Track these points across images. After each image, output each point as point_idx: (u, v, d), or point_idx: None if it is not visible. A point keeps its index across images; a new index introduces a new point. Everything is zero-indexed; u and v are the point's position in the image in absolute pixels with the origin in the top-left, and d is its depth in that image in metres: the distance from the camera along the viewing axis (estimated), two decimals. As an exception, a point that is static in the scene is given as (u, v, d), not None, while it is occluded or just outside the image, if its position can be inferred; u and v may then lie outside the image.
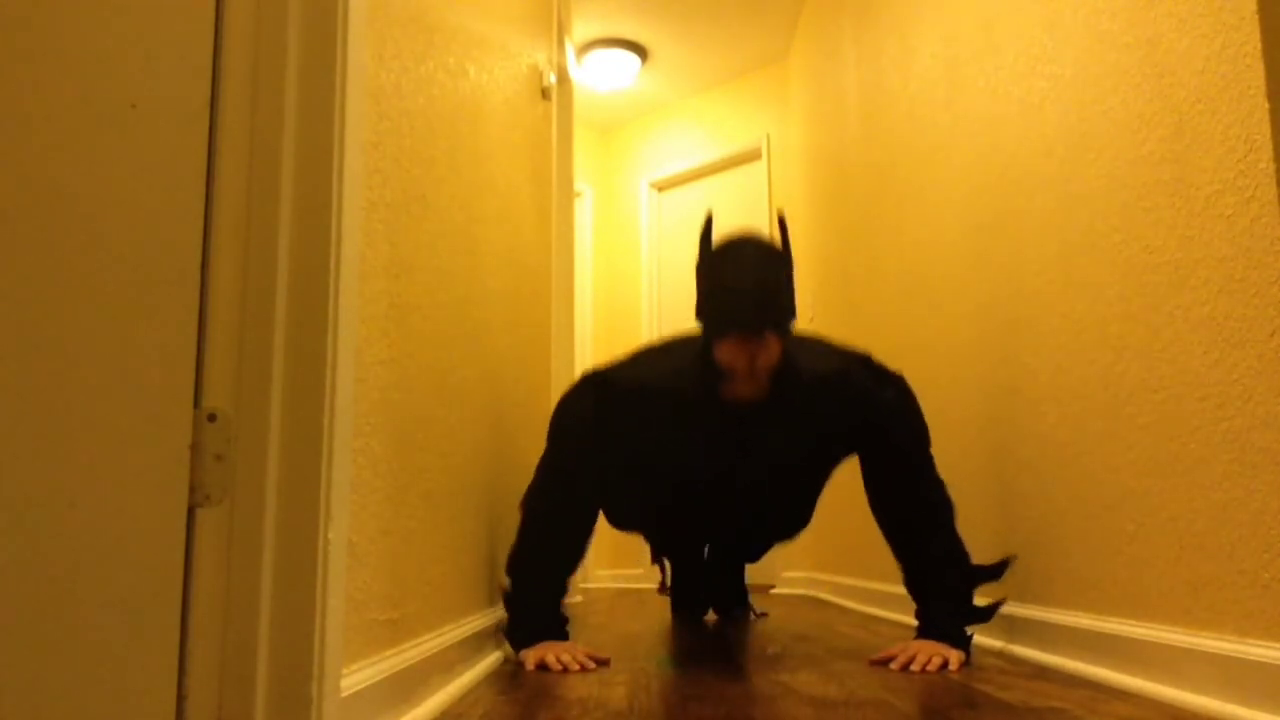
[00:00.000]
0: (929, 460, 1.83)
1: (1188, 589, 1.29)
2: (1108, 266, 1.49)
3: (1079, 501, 1.59)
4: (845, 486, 3.09)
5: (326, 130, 0.87)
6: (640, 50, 4.46)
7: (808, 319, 3.99)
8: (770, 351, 1.67)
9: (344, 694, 0.87)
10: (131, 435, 0.75)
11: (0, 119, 0.71)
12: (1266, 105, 1.12)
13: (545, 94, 2.95)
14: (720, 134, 4.80)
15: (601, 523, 2.10)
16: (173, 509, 0.77)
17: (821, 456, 2.02)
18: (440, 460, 1.43)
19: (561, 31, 3.38)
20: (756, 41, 4.42)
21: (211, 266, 0.82)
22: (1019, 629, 1.80)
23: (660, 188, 5.08)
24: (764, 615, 2.79)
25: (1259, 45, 1.13)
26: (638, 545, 4.50)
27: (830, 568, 3.58)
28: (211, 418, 0.80)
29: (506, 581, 1.80)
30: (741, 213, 4.67)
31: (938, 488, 1.82)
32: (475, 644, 1.59)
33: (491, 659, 1.71)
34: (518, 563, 1.80)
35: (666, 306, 4.92)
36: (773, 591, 4.07)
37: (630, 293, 5.04)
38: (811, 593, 3.84)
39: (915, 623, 1.78)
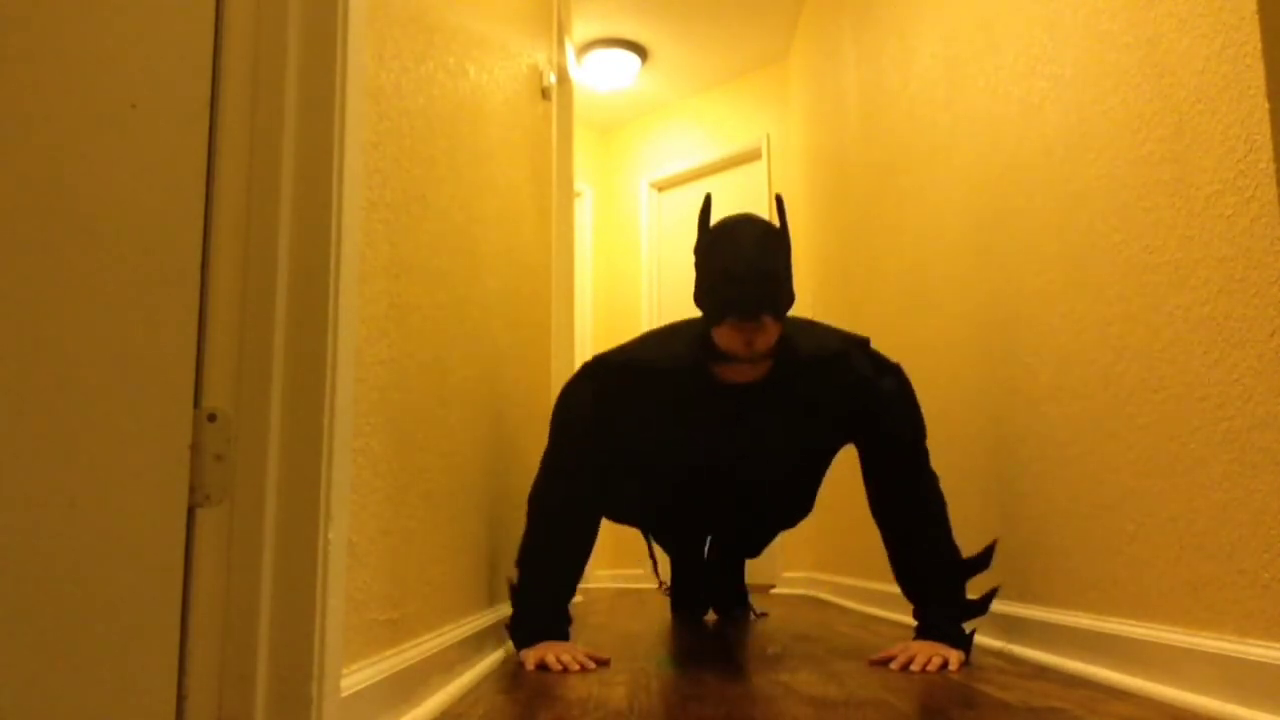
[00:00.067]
0: (924, 452, 1.83)
1: (1188, 589, 1.29)
2: (1108, 266, 1.49)
3: (1079, 501, 1.59)
4: (845, 486, 3.09)
5: (326, 130, 0.87)
6: (640, 50, 4.46)
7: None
8: (768, 334, 1.68)
9: (344, 694, 0.87)
10: (131, 435, 0.75)
11: (0, 119, 0.71)
12: (1266, 105, 1.12)
13: (545, 94, 2.96)
14: (720, 134, 4.80)
15: (603, 522, 2.10)
16: (173, 509, 0.77)
17: (820, 441, 2.02)
18: (440, 460, 1.43)
19: (561, 31, 3.38)
20: (756, 41, 4.42)
21: (211, 266, 0.82)
22: (1019, 629, 1.80)
23: (660, 188, 5.08)
24: (764, 615, 2.79)
25: (1259, 45, 1.13)
26: (638, 545, 4.51)
27: (830, 568, 3.58)
28: (211, 418, 0.80)
29: (515, 576, 1.81)
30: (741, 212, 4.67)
31: (933, 482, 1.82)
32: (475, 644, 1.59)
33: (492, 659, 1.71)
34: (524, 561, 1.80)
35: (666, 306, 4.92)
36: (773, 591, 4.07)
37: (630, 293, 5.04)
38: (811, 593, 3.84)
39: (914, 623, 1.78)
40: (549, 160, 3.12)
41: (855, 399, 1.83)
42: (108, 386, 0.74)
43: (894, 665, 1.63)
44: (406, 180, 1.26)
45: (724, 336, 1.68)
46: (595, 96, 4.86)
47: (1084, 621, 1.55)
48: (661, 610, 3.01)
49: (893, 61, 2.73)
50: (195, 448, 0.79)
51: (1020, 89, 1.83)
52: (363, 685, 0.95)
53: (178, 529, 0.77)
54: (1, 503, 0.68)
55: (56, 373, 0.72)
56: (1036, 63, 1.75)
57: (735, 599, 2.74)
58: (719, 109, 4.82)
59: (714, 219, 4.79)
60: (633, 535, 4.40)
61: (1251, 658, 1.12)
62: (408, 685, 1.13)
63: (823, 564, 3.73)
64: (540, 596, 1.78)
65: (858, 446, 1.90)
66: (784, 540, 4.07)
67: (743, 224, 1.69)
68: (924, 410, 1.88)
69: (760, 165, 4.61)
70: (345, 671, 0.91)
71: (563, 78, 3.51)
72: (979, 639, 1.87)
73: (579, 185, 4.97)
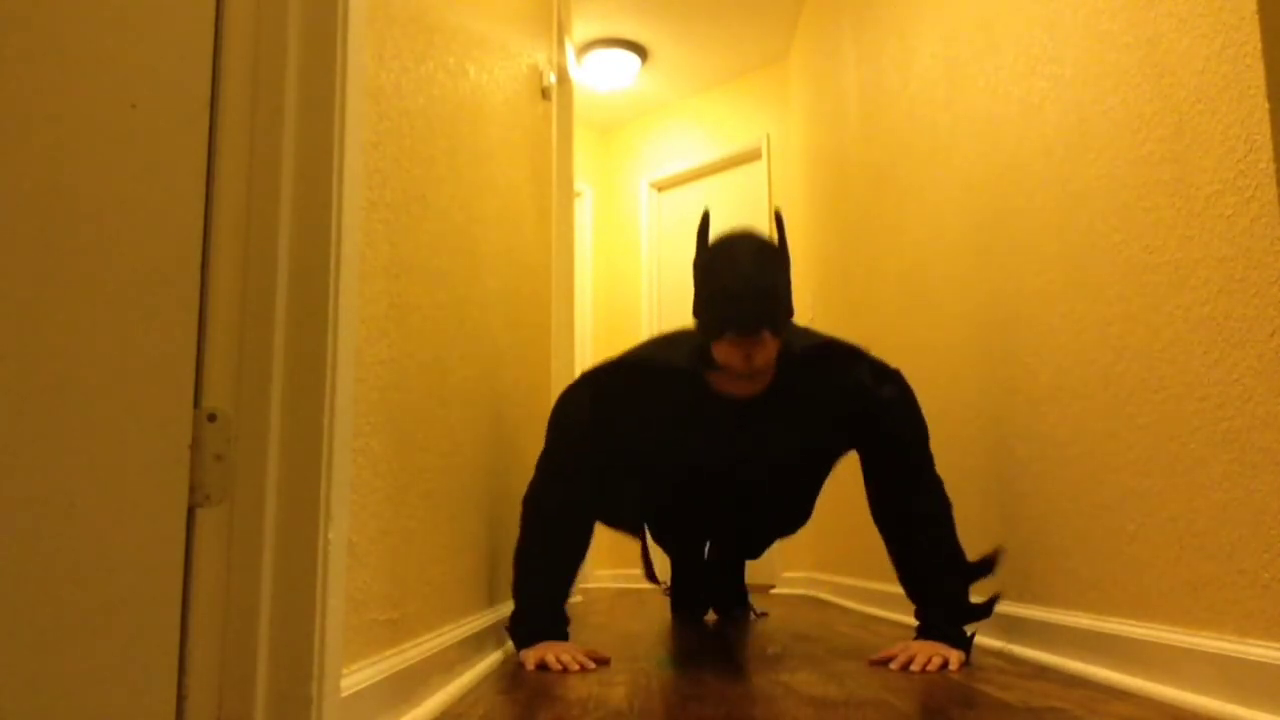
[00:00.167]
0: (928, 457, 1.83)
1: (1188, 589, 1.28)
2: (1108, 266, 1.49)
3: (1079, 501, 1.59)
4: (846, 486, 3.09)
5: (326, 130, 0.87)
6: (640, 50, 4.46)
7: (808, 319, 3.99)
8: (767, 350, 1.67)
9: (344, 694, 0.87)
10: (131, 435, 0.75)
11: (0, 119, 0.71)
12: (1266, 105, 1.12)
13: (545, 94, 2.95)
14: (720, 134, 4.80)
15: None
16: (173, 509, 0.77)
17: (819, 450, 2.01)
18: (440, 460, 1.43)
19: (561, 31, 3.38)
20: (756, 41, 4.42)
21: (211, 266, 0.82)
22: (1019, 629, 1.80)
23: (660, 188, 5.07)
24: (764, 615, 2.79)
25: (1259, 45, 1.13)
26: (636, 546, 4.50)
27: (830, 568, 3.58)
28: (211, 418, 0.80)
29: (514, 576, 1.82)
30: (742, 213, 4.67)
31: (936, 486, 1.82)
32: (475, 644, 1.59)
33: (492, 659, 1.71)
34: (520, 562, 1.80)
35: (666, 306, 4.92)
36: (773, 591, 4.07)
37: (630, 293, 5.04)
38: (811, 593, 3.84)
39: (915, 623, 1.78)
40: (549, 160, 3.12)
41: (855, 401, 1.83)
42: (107, 386, 0.74)
43: (894, 665, 1.63)
44: (406, 180, 1.26)
45: (723, 352, 1.68)
46: (595, 96, 4.86)
47: (1084, 621, 1.55)
48: (661, 610, 3.01)
49: (893, 61, 2.73)
50: (195, 448, 0.79)
51: (1020, 89, 1.83)
52: (363, 685, 0.95)
53: (178, 529, 0.77)
54: (1, 503, 0.68)
55: (56, 373, 0.72)
56: (1036, 63, 1.75)
57: (735, 599, 2.74)
58: (719, 109, 4.82)
59: (714, 217, 4.79)
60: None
61: (1251, 658, 1.12)
62: (408, 685, 1.13)
63: (823, 564, 3.73)
64: (537, 597, 1.78)
65: (859, 451, 1.89)
66: (784, 541, 4.07)
67: (741, 240, 1.68)
68: (924, 410, 1.88)
69: (760, 165, 4.61)
70: (345, 671, 0.91)
71: (563, 78, 3.51)
72: (979, 639, 1.87)
73: (579, 185, 4.97)
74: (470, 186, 1.71)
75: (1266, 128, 1.12)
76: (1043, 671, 1.56)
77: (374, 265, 1.10)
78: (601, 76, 4.51)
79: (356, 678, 0.95)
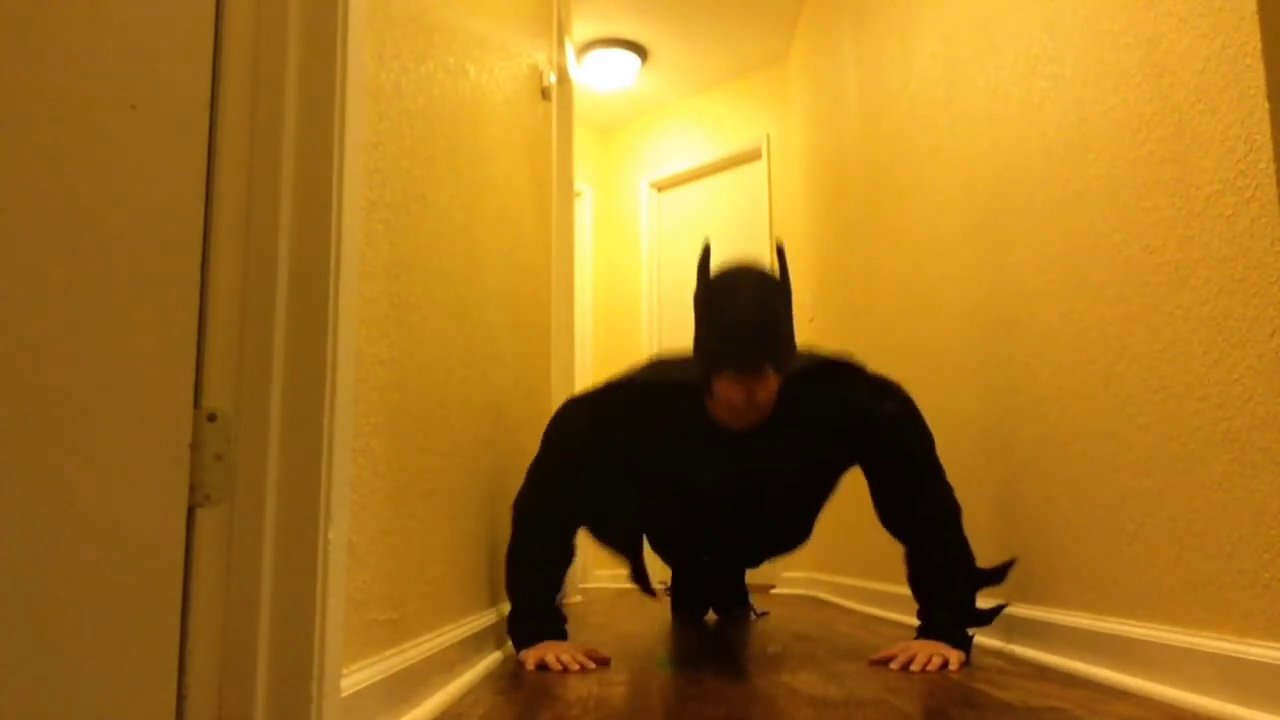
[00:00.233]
0: (934, 465, 1.82)
1: (1188, 589, 1.28)
2: (1108, 266, 1.49)
3: (1079, 501, 1.59)
4: (846, 487, 3.09)
5: (326, 130, 0.87)
6: (640, 50, 4.46)
7: (808, 319, 3.99)
8: (769, 387, 1.64)
9: (344, 694, 0.87)
10: (131, 435, 0.75)
11: (0, 119, 0.71)
12: (1266, 105, 1.12)
13: (545, 94, 2.95)
14: (720, 134, 4.80)
15: None
16: (173, 509, 0.77)
17: (821, 473, 2.00)
18: (440, 460, 1.43)
19: (561, 31, 3.38)
20: (756, 41, 4.42)
21: (211, 266, 0.82)
22: (1019, 629, 1.80)
23: (660, 188, 5.07)
24: (764, 615, 2.79)
25: (1259, 45, 1.13)
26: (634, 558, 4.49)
27: (830, 568, 3.58)
28: (211, 418, 0.80)
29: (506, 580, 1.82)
30: (741, 213, 4.67)
31: (945, 492, 1.81)
32: (475, 644, 1.59)
33: (491, 659, 1.71)
34: (513, 564, 1.81)
35: (666, 306, 4.92)
36: (773, 591, 4.07)
37: (630, 293, 5.04)
38: (811, 593, 3.84)
39: (915, 623, 1.78)
40: (549, 160, 3.12)
41: (856, 421, 1.81)
42: (107, 386, 0.74)
43: (894, 665, 1.63)
44: (406, 180, 1.26)
45: (724, 388, 1.65)
46: (595, 96, 4.86)
47: (1084, 621, 1.55)
48: (661, 610, 3.01)
49: (893, 61, 2.73)
50: (195, 448, 0.79)
51: (1020, 89, 1.83)
52: (363, 685, 0.95)
53: (178, 529, 0.77)
54: (1, 503, 0.68)
55: (56, 372, 0.72)
56: (1036, 63, 1.75)
57: (735, 599, 2.74)
58: (719, 109, 4.82)
59: (714, 216, 4.80)
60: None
61: (1251, 658, 1.12)
62: (408, 685, 1.13)
63: (823, 564, 3.73)
64: (534, 597, 1.78)
65: (864, 466, 1.88)
66: (784, 540, 4.06)
67: (743, 274, 1.65)
68: (924, 409, 1.88)
69: (760, 165, 4.61)
70: (345, 671, 0.91)
71: (563, 78, 3.51)
72: (979, 639, 1.87)
73: (579, 185, 4.97)
74: (470, 186, 1.71)
75: (1266, 128, 1.12)
76: (1043, 671, 1.56)
77: (374, 265, 1.10)
78: (601, 76, 4.51)
79: (356, 678, 0.95)
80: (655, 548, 2.45)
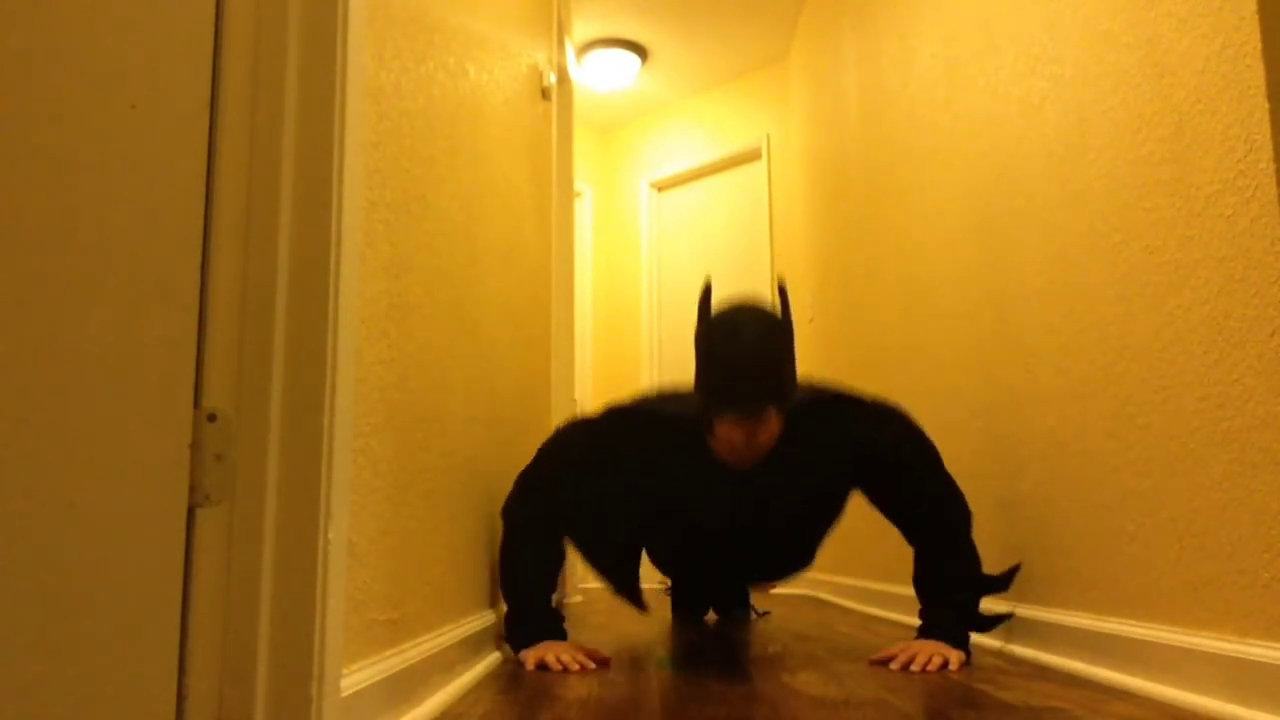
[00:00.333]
0: (942, 477, 1.81)
1: (1188, 589, 1.28)
2: (1108, 266, 1.49)
3: (1079, 501, 1.59)
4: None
5: (326, 130, 0.87)
6: (640, 50, 4.46)
7: (808, 319, 3.99)
8: (770, 428, 1.62)
9: (344, 694, 0.87)
10: (131, 435, 0.75)
11: (1, 119, 0.71)
12: (1266, 105, 1.12)
13: (545, 94, 2.95)
14: (720, 134, 4.80)
15: None
16: (173, 509, 0.77)
17: (823, 505, 1.98)
18: (440, 460, 1.43)
19: (561, 31, 3.38)
20: (756, 41, 4.42)
21: (211, 266, 0.82)
22: (1019, 629, 1.80)
23: (660, 188, 5.07)
24: (765, 615, 2.78)
25: (1259, 45, 1.13)
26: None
27: (830, 568, 3.58)
28: (211, 418, 0.80)
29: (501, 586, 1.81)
30: (741, 213, 4.67)
31: (955, 502, 1.80)
32: (475, 644, 1.59)
33: (491, 659, 1.71)
34: (508, 567, 1.81)
35: (666, 306, 4.92)
36: (773, 591, 4.07)
37: (630, 293, 5.04)
38: (811, 593, 3.84)
39: (916, 623, 1.78)
40: (549, 160, 3.12)
41: (859, 446, 1.80)
42: (107, 386, 0.74)
43: (894, 665, 1.63)
44: (406, 180, 1.26)
45: (725, 429, 1.62)
46: (595, 96, 4.86)
47: (1084, 621, 1.55)
48: (661, 610, 3.01)
49: (893, 61, 2.73)
50: (195, 448, 0.79)
51: (1020, 89, 1.83)
52: (363, 685, 0.95)
53: (178, 529, 0.77)
54: (1, 503, 0.68)
55: (56, 373, 0.72)
56: (1036, 63, 1.75)
57: (736, 599, 2.74)
58: (719, 109, 4.82)
59: (714, 216, 4.80)
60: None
61: (1251, 658, 1.12)
62: (408, 685, 1.13)
63: (823, 564, 3.73)
64: (532, 598, 1.78)
65: (872, 491, 1.87)
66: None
67: (744, 315, 1.62)
68: (924, 409, 1.88)
69: (760, 165, 4.61)
70: (345, 671, 0.91)
71: (563, 78, 3.51)
72: (979, 639, 1.87)
73: (579, 185, 4.97)
74: (470, 186, 1.71)
75: (1266, 128, 1.12)
76: (1043, 671, 1.56)
77: (374, 265, 1.10)
78: (601, 76, 4.51)
79: (356, 678, 0.95)
80: (654, 562, 2.45)
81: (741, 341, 1.58)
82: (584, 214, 5.08)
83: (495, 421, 1.94)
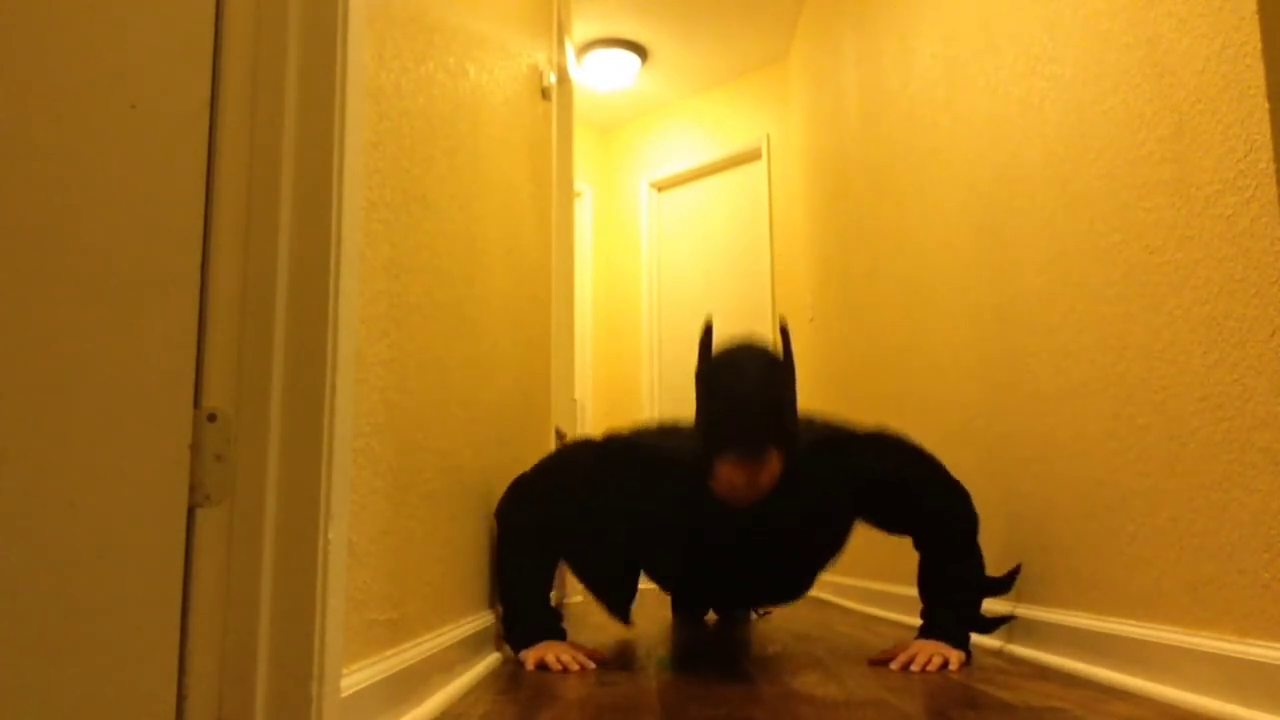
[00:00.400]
0: (944, 491, 1.80)
1: (1188, 589, 1.28)
2: (1108, 266, 1.49)
3: (1079, 501, 1.59)
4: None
5: (326, 130, 0.87)
6: (640, 50, 4.46)
7: (808, 319, 3.99)
8: (771, 470, 1.59)
9: (344, 694, 0.87)
10: (131, 435, 0.75)
11: (1, 119, 0.71)
12: (1266, 105, 1.12)
13: (545, 94, 2.95)
14: (720, 134, 4.80)
15: None
16: (173, 509, 0.77)
17: (825, 539, 1.97)
18: (440, 460, 1.43)
19: (561, 31, 3.38)
20: (756, 41, 4.42)
21: (211, 266, 0.82)
22: (1019, 629, 1.80)
23: (660, 188, 5.08)
24: (765, 614, 2.78)
25: (1259, 45, 1.13)
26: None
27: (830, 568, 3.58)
28: (211, 418, 0.80)
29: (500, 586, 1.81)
30: (741, 213, 4.67)
31: (962, 509, 1.79)
32: (475, 644, 1.59)
33: (491, 659, 1.71)
34: (505, 567, 1.80)
35: (666, 306, 4.92)
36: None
37: (630, 293, 5.04)
38: (812, 593, 3.84)
39: (916, 622, 1.78)
40: (549, 160, 3.12)
41: (858, 477, 1.79)
42: (108, 386, 0.74)
43: (894, 665, 1.63)
44: (406, 180, 1.26)
45: (726, 470, 1.60)
46: (595, 96, 4.86)
47: (1084, 621, 1.55)
48: (661, 610, 3.01)
49: (893, 61, 2.73)
50: (195, 448, 0.79)
51: (1020, 89, 1.83)
52: (363, 685, 0.95)
53: (178, 529, 0.77)
54: (1, 503, 0.68)
55: (56, 373, 0.72)
56: (1036, 63, 1.75)
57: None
58: (719, 109, 4.82)
59: (714, 216, 4.80)
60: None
61: (1251, 658, 1.12)
62: (408, 685, 1.13)
63: (823, 564, 3.73)
64: (530, 598, 1.78)
65: (881, 518, 1.86)
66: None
67: (745, 355, 1.60)
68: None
69: (760, 165, 4.61)
70: (345, 671, 0.91)
71: (563, 78, 3.51)
72: (979, 639, 1.87)
73: (579, 185, 4.97)
74: (470, 186, 1.71)
75: (1266, 128, 1.12)
76: (1043, 671, 1.56)
77: (374, 265, 1.10)
78: (601, 76, 4.51)
79: (356, 678, 0.95)
80: (650, 579, 2.45)
81: (743, 382, 1.56)
82: (584, 214, 5.08)
83: (495, 421, 1.94)
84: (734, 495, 1.63)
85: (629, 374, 4.93)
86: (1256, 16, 1.13)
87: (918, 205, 2.51)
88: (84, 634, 0.71)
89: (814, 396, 3.84)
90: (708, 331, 1.68)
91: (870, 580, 2.90)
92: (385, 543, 1.12)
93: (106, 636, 0.72)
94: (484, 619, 1.71)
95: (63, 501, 0.71)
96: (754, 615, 2.75)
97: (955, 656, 1.63)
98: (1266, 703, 1.09)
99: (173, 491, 0.77)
